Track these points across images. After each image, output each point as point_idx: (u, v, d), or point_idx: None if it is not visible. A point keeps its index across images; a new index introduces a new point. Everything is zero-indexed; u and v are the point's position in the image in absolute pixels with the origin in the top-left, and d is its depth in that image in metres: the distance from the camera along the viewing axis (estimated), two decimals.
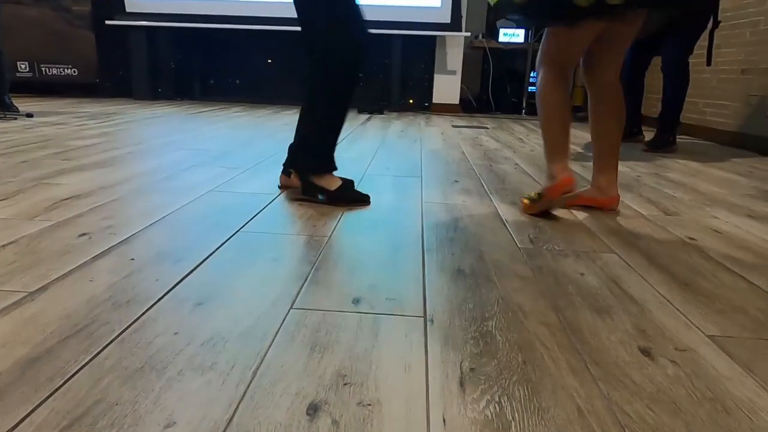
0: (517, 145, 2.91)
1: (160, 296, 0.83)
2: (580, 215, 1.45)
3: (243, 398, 0.59)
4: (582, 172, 2.14)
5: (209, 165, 1.95)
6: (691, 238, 1.27)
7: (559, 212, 1.47)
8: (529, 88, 5.10)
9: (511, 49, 5.07)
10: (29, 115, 3.34)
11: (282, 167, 1.62)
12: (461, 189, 1.72)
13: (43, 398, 0.57)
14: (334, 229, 1.23)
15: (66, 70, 5.01)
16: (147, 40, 4.98)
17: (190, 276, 0.92)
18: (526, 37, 4.99)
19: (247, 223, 1.25)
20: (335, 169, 1.50)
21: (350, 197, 1.48)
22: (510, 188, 1.77)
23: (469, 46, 5.14)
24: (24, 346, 0.67)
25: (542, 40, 1.47)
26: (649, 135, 3.02)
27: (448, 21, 4.74)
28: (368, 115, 4.43)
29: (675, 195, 1.76)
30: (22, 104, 3.93)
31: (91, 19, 4.92)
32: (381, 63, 4.95)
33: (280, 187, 1.62)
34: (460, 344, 0.72)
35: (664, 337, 0.77)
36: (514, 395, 0.61)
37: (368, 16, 1.48)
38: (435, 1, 4.72)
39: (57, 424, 0.53)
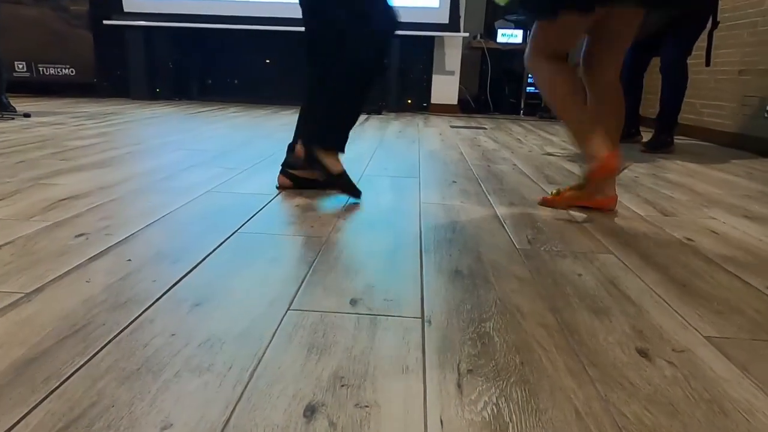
0: (515, 146, 2.92)
1: (157, 297, 0.83)
2: (578, 216, 1.45)
3: (240, 400, 0.58)
4: (579, 171, 2.14)
5: (207, 165, 1.94)
6: (688, 239, 1.27)
7: (557, 213, 1.47)
8: (528, 88, 5.11)
9: (510, 49, 5.07)
10: (27, 115, 3.33)
11: (280, 167, 1.62)
12: (459, 190, 1.72)
13: (39, 400, 0.57)
14: (331, 230, 1.22)
15: (64, 69, 5.00)
16: (145, 40, 4.98)
17: (187, 277, 0.92)
18: (524, 37, 5.00)
19: (245, 223, 1.25)
20: (342, 151, 1.48)
21: (347, 185, 1.47)
22: (508, 189, 1.77)
23: (468, 47, 5.14)
24: (20, 347, 0.67)
25: (532, 36, 1.44)
26: (646, 136, 3.03)
27: (447, 21, 4.74)
28: (366, 116, 4.43)
29: (673, 196, 1.76)
30: (20, 104, 3.92)
31: (89, 18, 4.91)
32: None
33: (278, 188, 1.62)
34: (457, 345, 0.72)
35: (662, 338, 0.77)
36: (512, 397, 0.61)
37: None
38: (433, 1, 4.72)
39: (53, 426, 0.53)
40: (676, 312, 0.86)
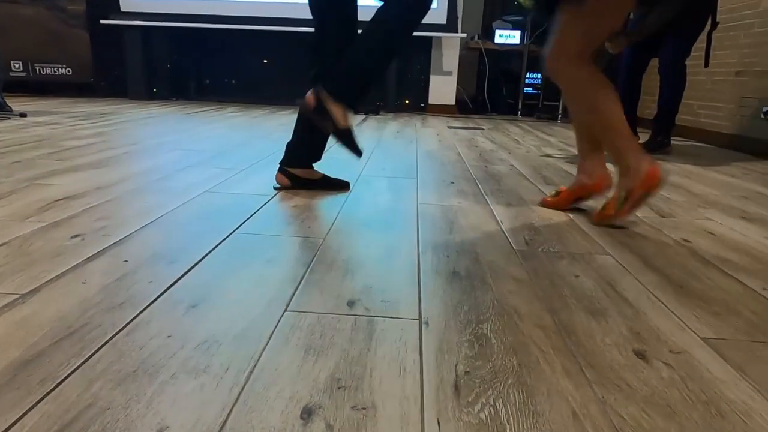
0: (512, 147, 2.92)
1: (153, 298, 0.83)
2: (576, 217, 1.45)
3: (236, 402, 0.58)
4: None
5: (204, 165, 1.94)
6: (685, 240, 1.27)
7: (554, 213, 1.47)
8: (525, 89, 5.12)
9: (507, 50, 5.08)
10: (23, 115, 3.31)
11: (278, 166, 1.62)
12: (457, 190, 1.72)
13: (34, 402, 0.56)
14: (329, 231, 1.22)
15: (60, 69, 4.98)
16: (142, 39, 4.97)
17: (184, 278, 0.91)
18: (522, 38, 5.01)
19: (242, 224, 1.25)
20: (354, 110, 1.49)
21: (350, 141, 1.48)
22: (505, 190, 1.77)
23: (465, 47, 5.15)
24: (15, 348, 0.67)
25: (557, 36, 1.32)
26: (644, 137, 3.03)
27: (444, 22, 4.75)
28: (364, 116, 4.42)
29: (670, 197, 1.76)
30: (16, 104, 3.90)
31: (86, 18, 4.89)
32: None
33: (276, 188, 1.62)
34: (455, 347, 0.72)
35: (659, 339, 0.77)
36: (509, 398, 0.61)
37: (364, 16, 1.49)
38: None
39: (48, 429, 0.53)
40: (673, 313, 0.86)
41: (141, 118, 3.52)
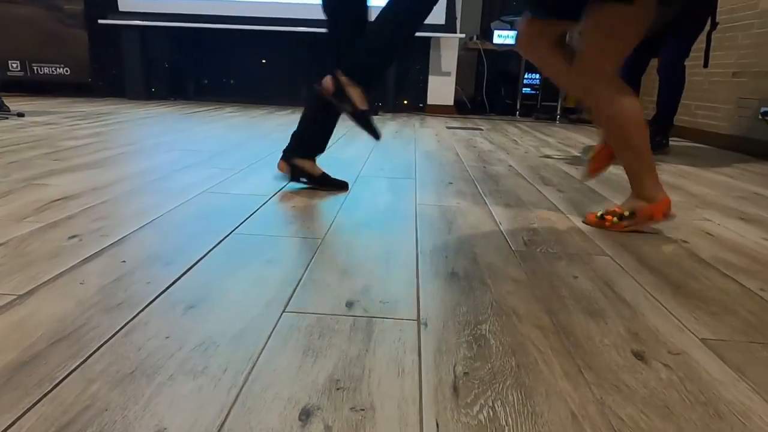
0: (510, 147, 2.92)
1: (151, 299, 0.83)
2: (575, 218, 1.45)
3: (235, 403, 0.58)
4: (575, 173, 2.15)
5: (202, 166, 1.94)
6: (683, 241, 1.28)
7: (552, 214, 1.47)
8: (523, 89, 5.12)
9: (506, 50, 5.08)
10: (20, 115, 3.31)
11: (282, 153, 1.63)
12: (455, 191, 1.72)
13: (31, 403, 0.56)
14: (327, 232, 1.22)
15: (58, 69, 4.97)
16: (140, 39, 4.96)
17: (182, 279, 0.91)
18: None
19: (240, 224, 1.24)
20: (370, 91, 1.54)
21: (369, 123, 1.54)
22: (504, 190, 1.77)
23: (464, 48, 5.15)
24: (12, 350, 0.66)
25: (589, 50, 1.25)
26: None
27: (443, 22, 4.75)
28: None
29: None
30: (14, 103, 3.89)
31: (84, 18, 4.88)
32: None
33: (279, 169, 1.65)
34: (453, 348, 0.72)
35: (657, 340, 0.77)
36: (508, 400, 0.61)
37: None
38: None
39: (45, 431, 0.52)
40: (672, 314, 0.86)
41: (139, 118, 3.51)
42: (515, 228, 1.32)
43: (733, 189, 1.97)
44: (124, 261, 0.98)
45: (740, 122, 3.16)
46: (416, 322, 0.79)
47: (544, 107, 5.18)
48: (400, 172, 2.01)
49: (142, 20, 4.84)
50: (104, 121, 3.25)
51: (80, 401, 0.57)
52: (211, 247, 1.07)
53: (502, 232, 1.29)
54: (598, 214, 1.36)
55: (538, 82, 5.16)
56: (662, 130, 2.85)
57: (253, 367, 0.65)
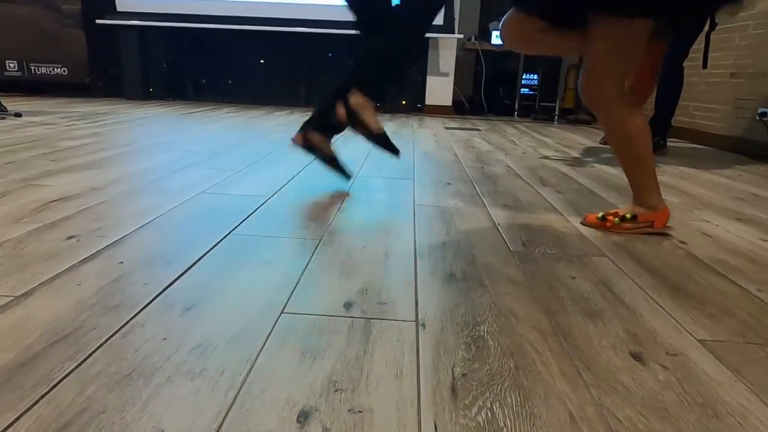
0: (509, 148, 2.92)
1: (149, 301, 0.82)
2: (573, 219, 1.45)
3: (232, 405, 0.58)
4: (573, 174, 2.15)
5: (200, 166, 1.93)
6: (681, 242, 1.28)
7: (551, 215, 1.47)
8: (521, 90, 5.13)
9: (504, 51, 5.09)
10: (18, 115, 3.30)
11: (301, 126, 1.64)
12: (454, 192, 1.72)
13: (28, 406, 0.56)
14: (325, 233, 1.22)
15: (56, 69, 4.96)
16: (138, 39, 4.95)
17: (179, 280, 0.91)
18: None
19: (238, 225, 1.24)
20: (378, 103, 1.56)
21: (388, 144, 1.58)
22: (502, 191, 1.77)
23: (462, 48, 5.16)
24: (9, 351, 0.66)
25: (598, 62, 1.25)
26: None
27: (441, 23, 4.75)
28: None
29: (665, 198, 1.76)
30: (11, 104, 3.88)
31: (82, 18, 4.87)
32: None
33: (292, 140, 1.66)
34: (451, 349, 0.72)
35: (656, 341, 0.77)
36: (506, 401, 0.61)
37: None
38: None
39: None
40: (670, 315, 0.86)
41: (137, 118, 3.51)
42: (513, 229, 1.33)
43: (731, 190, 1.98)
44: (121, 262, 0.98)
45: (738, 123, 3.17)
46: (414, 323, 0.79)
47: (542, 108, 5.19)
48: (399, 172, 2.00)
49: (140, 20, 4.83)
50: (102, 121, 3.25)
51: (77, 403, 0.57)
52: (209, 248, 1.07)
53: (500, 232, 1.29)
54: (599, 215, 1.36)
55: (536, 82, 5.17)
56: (660, 130, 2.86)
57: (251, 368, 0.65)
